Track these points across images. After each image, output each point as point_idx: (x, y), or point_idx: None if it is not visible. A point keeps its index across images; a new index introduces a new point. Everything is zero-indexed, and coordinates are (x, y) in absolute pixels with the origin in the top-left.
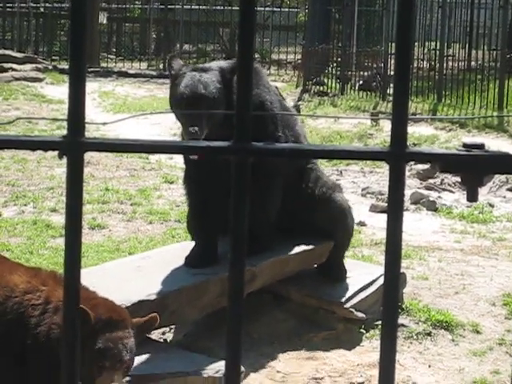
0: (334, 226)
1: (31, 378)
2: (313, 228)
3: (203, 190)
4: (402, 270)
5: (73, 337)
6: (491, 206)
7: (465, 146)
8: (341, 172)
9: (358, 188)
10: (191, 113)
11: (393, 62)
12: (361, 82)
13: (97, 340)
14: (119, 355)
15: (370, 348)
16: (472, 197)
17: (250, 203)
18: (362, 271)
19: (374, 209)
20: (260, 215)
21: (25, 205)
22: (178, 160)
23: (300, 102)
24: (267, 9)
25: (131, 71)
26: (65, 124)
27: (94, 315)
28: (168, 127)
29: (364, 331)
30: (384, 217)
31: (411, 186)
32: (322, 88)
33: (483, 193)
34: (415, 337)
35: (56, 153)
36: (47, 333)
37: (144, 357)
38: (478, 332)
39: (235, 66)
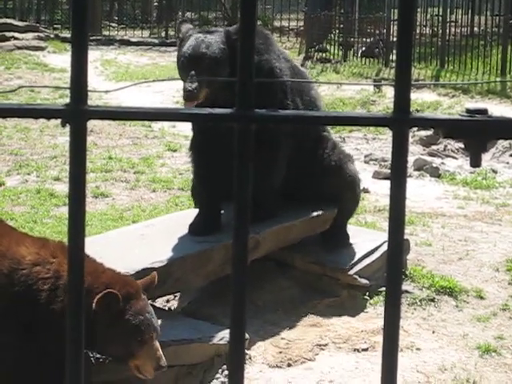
0: (344, 193)
1: (40, 351)
2: (321, 194)
3: (208, 157)
4: (405, 237)
5: (77, 307)
6: (494, 171)
7: (468, 111)
8: (344, 139)
9: (360, 155)
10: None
11: (395, 28)
12: (363, 48)
13: (127, 316)
14: (152, 324)
15: (374, 314)
16: (475, 162)
17: (253, 170)
18: (366, 238)
19: (377, 175)
20: (264, 182)
21: (28, 174)
22: (181, 128)
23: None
24: None
25: (133, 39)
26: (67, 92)
27: (120, 295)
28: (170, 95)
29: (368, 298)
30: (387, 183)
31: (414, 152)
32: (324, 55)
33: (486, 159)
34: (419, 303)
35: (59, 121)
36: (61, 312)
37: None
38: (481, 298)
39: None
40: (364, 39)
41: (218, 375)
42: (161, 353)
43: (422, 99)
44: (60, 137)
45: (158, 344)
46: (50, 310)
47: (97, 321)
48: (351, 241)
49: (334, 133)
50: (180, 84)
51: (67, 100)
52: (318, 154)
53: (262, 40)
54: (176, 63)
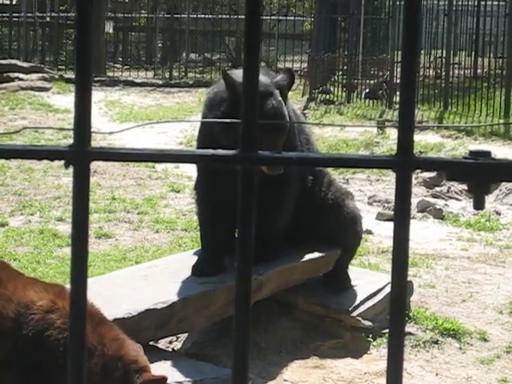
0: (344, 232)
1: None
2: (321, 234)
3: (212, 197)
4: (408, 278)
5: (79, 353)
6: (498, 213)
7: (471, 153)
8: (347, 180)
9: (364, 196)
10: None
11: (399, 70)
12: (367, 90)
13: None
14: None
15: (377, 356)
16: (478, 205)
17: (261, 211)
18: (369, 279)
19: (380, 217)
20: (272, 222)
21: (31, 214)
22: (185, 169)
23: (306, 111)
24: (273, 17)
25: (137, 80)
26: (71, 133)
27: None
28: (174, 136)
29: (371, 339)
30: (391, 225)
31: (418, 193)
32: (328, 96)
33: (490, 201)
34: (422, 345)
35: (63, 162)
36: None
37: (151, 366)
38: (485, 340)
39: (288, 83)
40: (368, 81)
41: None
42: None
43: (426, 141)
44: (64, 177)
45: None
46: (62, 361)
47: None
48: (354, 282)
49: (338, 174)
50: (182, 125)
51: (71, 141)
52: (314, 191)
53: (270, 79)
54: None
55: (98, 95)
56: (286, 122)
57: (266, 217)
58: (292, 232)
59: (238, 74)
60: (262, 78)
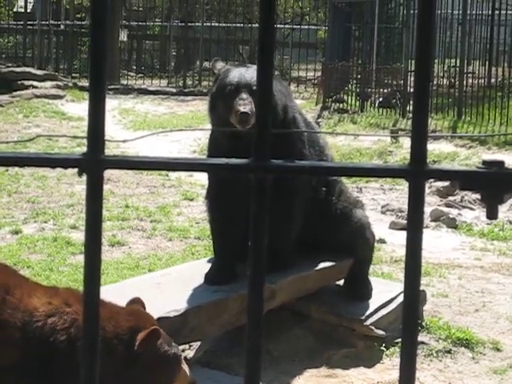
0: (354, 241)
1: None
2: (333, 243)
3: (224, 206)
4: (421, 288)
5: (92, 355)
6: (511, 223)
7: (484, 163)
8: (360, 189)
9: (377, 205)
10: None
11: (413, 79)
12: (380, 99)
13: (166, 348)
14: (180, 351)
15: (390, 366)
16: (492, 214)
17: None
18: (382, 289)
19: (393, 226)
20: (283, 232)
21: (45, 222)
22: (198, 177)
23: (320, 119)
24: (287, 26)
25: (151, 88)
26: (85, 141)
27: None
28: (188, 144)
29: (384, 349)
30: (404, 234)
31: (431, 203)
32: (341, 105)
33: (503, 210)
34: (435, 354)
35: (76, 170)
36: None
37: None
38: (498, 350)
39: None
40: (381, 90)
41: None
42: (188, 369)
43: (439, 150)
44: (77, 185)
45: (185, 365)
46: (71, 361)
47: (137, 362)
48: None
49: (351, 183)
50: (196, 134)
51: (85, 148)
52: (327, 200)
53: (285, 88)
54: (213, 96)
55: (111, 103)
56: (301, 130)
57: (277, 227)
58: (306, 240)
59: (229, 68)
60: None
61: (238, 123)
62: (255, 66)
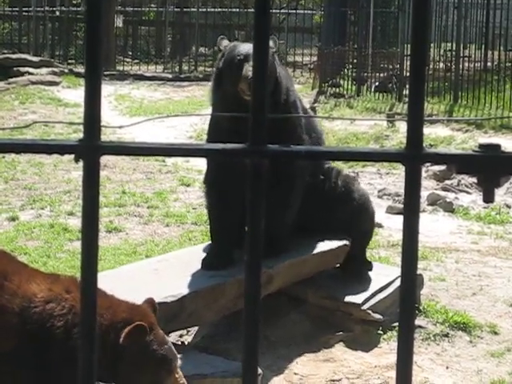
0: (359, 215)
1: None
2: (333, 224)
3: (223, 191)
4: (419, 272)
5: (90, 343)
6: (508, 206)
7: (481, 147)
8: (357, 174)
9: (374, 190)
10: None
11: (409, 63)
12: (377, 83)
13: (154, 347)
14: (174, 353)
15: (387, 350)
16: (488, 197)
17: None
18: (379, 273)
19: (390, 210)
20: (280, 217)
21: (42, 208)
22: (195, 163)
23: (316, 104)
24: (282, 11)
25: (147, 74)
26: (81, 127)
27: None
28: (184, 130)
29: (381, 333)
30: (401, 218)
31: (428, 187)
32: (337, 90)
33: (500, 193)
34: (433, 338)
35: (73, 156)
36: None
37: None
38: (495, 333)
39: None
40: (377, 74)
41: None
42: (184, 380)
43: (436, 134)
44: (74, 171)
45: (180, 371)
46: (67, 347)
47: (123, 356)
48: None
49: (348, 168)
50: (192, 119)
51: (81, 135)
52: (326, 184)
53: (286, 72)
54: (221, 69)
55: (107, 89)
56: (297, 115)
57: (274, 212)
58: (303, 225)
59: (236, 44)
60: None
61: (248, 89)
62: None
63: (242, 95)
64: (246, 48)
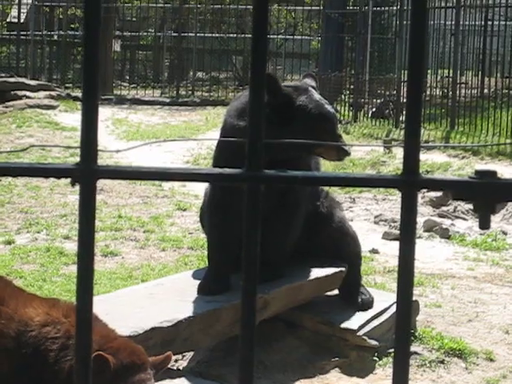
0: (339, 240)
1: None
2: (316, 247)
3: (223, 216)
4: (414, 298)
5: (85, 365)
6: (504, 233)
7: (477, 173)
8: (354, 199)
9: (370, 215)
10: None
11: (406, 89)
12: (374, 109)
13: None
14: None
15: (383, 376)
16: (484, 224)
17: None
18: (375, 299)
19: (386, 236)
20: (280, 243)
21: (38, 232)
22: (191, 187)
23: None
24: (280, 36)
25: (144, 98)
26: (78, 151)
27: (114, 361)
28: (181, 154)
29: (377, 359)
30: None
31: (424, 213)
32: None
33: (496, 220)
34: (428, 365)
35: (69, 180)
36: (68, 371)
37: None
38: (491, 360)
39: (316, 84)
40: (374, 100)
41: None
42: None
43: (432, 160)
44: (70, 195)
45: None
46: (58, 370)
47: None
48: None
49: (344, 193)
50: (189, 144)
51: (78, 158)
52: (315, 206)
53: None
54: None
55: (105, 113)
56: (295, 142)
57: (275, 238)
58: (298, 247)
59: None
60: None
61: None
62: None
63: None
64: (329, 105)
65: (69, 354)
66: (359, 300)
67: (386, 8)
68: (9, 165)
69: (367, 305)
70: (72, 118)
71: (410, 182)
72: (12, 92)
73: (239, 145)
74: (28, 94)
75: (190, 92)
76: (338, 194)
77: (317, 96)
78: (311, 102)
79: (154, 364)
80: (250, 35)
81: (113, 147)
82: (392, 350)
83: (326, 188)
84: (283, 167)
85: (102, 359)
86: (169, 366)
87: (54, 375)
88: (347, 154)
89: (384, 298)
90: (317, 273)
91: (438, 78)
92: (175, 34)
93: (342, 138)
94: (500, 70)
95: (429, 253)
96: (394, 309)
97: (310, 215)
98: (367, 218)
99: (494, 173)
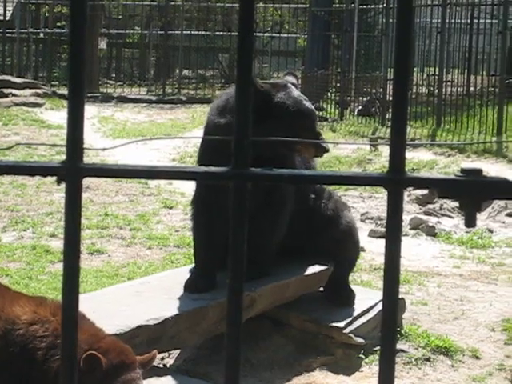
0: (344, 243)
1: None
2: (317, 246)
3: (210, 213)
4: (401, 296)
5: (71, 363)
6: (490, 231)
7: (463, 171)
8: (340, 197)
9: (356, 213)
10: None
11: (392, 87)
12: (360, 107)
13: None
14: None
15: (369, 373)
16: (470, 222)
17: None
18: (362, 296)
19: (373, 234)
20: (266, 241)
21: (24, 230)
22: (178, 185)
23: None
24: (266, 34)
25: (131, 96)
26: (64, 149)
27: (105, 361)
28: (167, 152)
29: (363, 356)
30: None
31: (410, 211)
32: (321, 113)
33: (482, 218)
34: (414, 362)
35: (55, 178)
36: (56, 370)
37: (143, 382)
38: (477, 357)
39: (296, 82)
40: (361, 98)
41: None
42: None
43: (418, 158)
44: (56, 193)
45: None
46: (46, 369)
47: (83, 382)
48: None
49: None
50: (175, 142)
51: (64, 157)
52: (315, 206)
53: None
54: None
55: (91, 111)
56: (280, 139)
57: (261, 235)
58: (292, 244)
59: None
60: (270, 81)
61: (318, 156)
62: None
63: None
64: (308, 101)
65: (57, 353)
66: (343, 298)
67: (372, 6)
68: None
69: (349, 303)
70: (58, 116)
71: (396, 180)
72: None
73: (222, 143)
74: (14, 91)
75: (176, 90)
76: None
77: (295, 93)
78: (289, 99)
79: (141, 363)
80: (236, 33)
81: (99, 145)
82: (378, 348)
83: (328, 188)
84: (267, 165)
85: (93, 358)
86: (155, 363)
87: (42, 374)
88: (325, 150)
89: (370, 296)
90: (303, 271)
91: (424, 76)
92: (161, 32)
93: (321, 136)
94: (486, 68)
95: (415, 250)
96: (380, 306)
97: (305, 215)
98: (353, 216)
99: (479, 171)
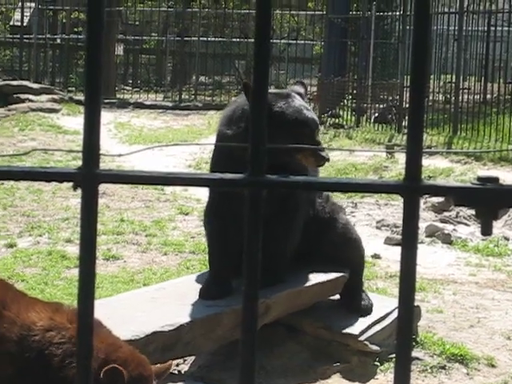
0: (342, 245)
1: None
2: (319, 250)
3: (224, 220)
4: (416, 303)
5: (86, 370)
6: (506, 239)
7: (479, 179)
8: (356, 204)
9: (372, 220)
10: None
11: (408, 94)
12: (376, 114)
13: None
14: None
15: (384, 381)
16: (486, 230)
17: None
18: (377, 304)
19: (388, 241)
20: (281, 248)
21: (40, 235)
22: (193, 191)
23: None
24: (283, 41)
25: (147, 102)
26: (80, 155)
27: (127, 374)
28: (183, 158)
29: (378, 364)
30: (399, 249)
31: (426, 218)
32: (337, 120)
33: (498, 226)
34: (430, 370)
35: (71, 184)
36: (72, 378)
37: None
38: (492, 366)
39: (304, 92)
40: (377, 105)
41: None
42: None
43: (435, 165)
44: (72, 199)
45: None
46: (62, 376)
47: None
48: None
49: (346, 198)
50: (191, 148)
51: (80, 162)
52: (315, 209)
53: None
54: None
55: (107, 117)
56: (298, 146)
57: (275, 242)
58: (299, 250)
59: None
60: (275, 90)
61: (317, 166)
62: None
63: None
64: (311, 113)
65: (74, 360)
66: (359, 305)
67: (389, 13)
68: (11, 168)
69: (366, 311)
70: (74, 122)
71: (412, 187)
72: (15, 95)
73: (229, 154)
74: (31, 97)
75: (192, 96)
76: (339, 198)
77: (297, 102)
78: (288, 108)
79: (156, 374)
80: (252, 40)
81: (115, 151)
82: (393, 356)
83: (326, 193)
84: (277, 173)
85: (116, 371)
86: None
87: (59, 381)
88: (326, 159)
89: (386, 304)
90: (318, 278)
91: (441, 83)
92: (178, 38)
93: (321, 145)
94: (503, 75)
95: (431, 258)
96: (395, 314)
97: (311, 220)
98: (369, 223)
99: (496, 179)
